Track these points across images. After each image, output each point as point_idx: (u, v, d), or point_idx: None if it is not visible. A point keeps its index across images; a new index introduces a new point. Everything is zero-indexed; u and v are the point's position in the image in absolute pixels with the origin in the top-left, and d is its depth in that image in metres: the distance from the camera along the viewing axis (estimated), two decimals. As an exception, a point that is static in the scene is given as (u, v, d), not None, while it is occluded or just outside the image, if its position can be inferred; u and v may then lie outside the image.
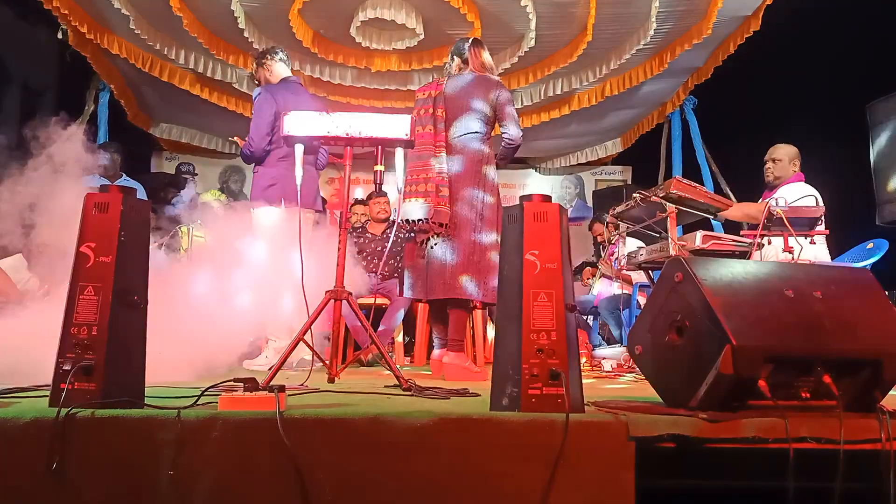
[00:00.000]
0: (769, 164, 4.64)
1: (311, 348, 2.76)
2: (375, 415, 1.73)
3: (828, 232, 3.82)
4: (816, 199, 4.16)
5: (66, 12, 6.16)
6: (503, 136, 3.87)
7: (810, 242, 3.77)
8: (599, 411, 1.87)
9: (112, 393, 1.79)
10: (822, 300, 1.96)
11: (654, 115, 8.69)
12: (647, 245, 4.42)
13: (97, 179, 6.21)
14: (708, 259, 2.00)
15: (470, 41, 4.05)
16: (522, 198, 2.00)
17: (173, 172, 9.01)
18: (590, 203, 10.09)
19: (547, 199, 2.02)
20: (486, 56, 4.05)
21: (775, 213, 3.52)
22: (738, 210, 4.00)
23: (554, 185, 10.47)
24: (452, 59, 4.10)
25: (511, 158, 4.02)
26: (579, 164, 10.28)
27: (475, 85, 3.90)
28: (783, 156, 4.59)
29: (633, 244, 5.26)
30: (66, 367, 1.78)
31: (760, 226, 3.58)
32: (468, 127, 3.84)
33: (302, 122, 2.83)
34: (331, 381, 2.82)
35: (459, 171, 3.75)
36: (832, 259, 4.40)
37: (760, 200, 4.68)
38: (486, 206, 3.76)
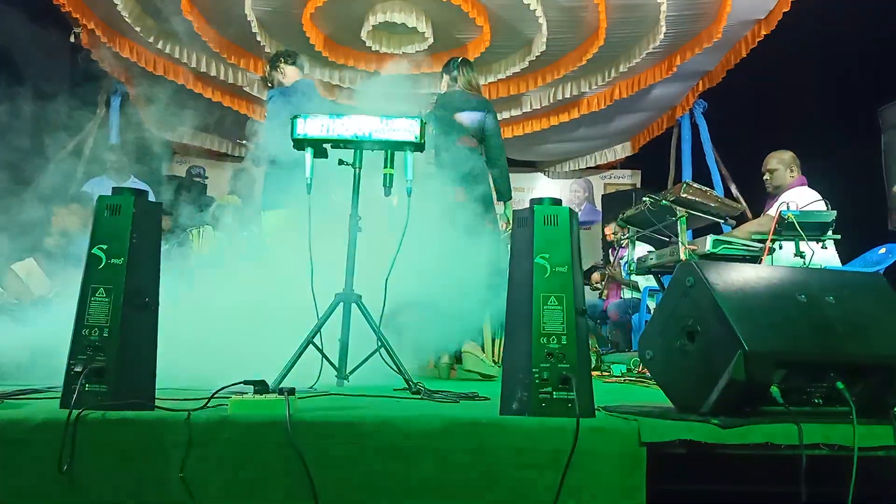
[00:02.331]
0: (766, 175, 4.63)
1: (321, 351, 2.76)
2: (385, 418, 1.73)
3: (839, 237, 3.79)
4: (826, 203, 4.14)
5: (80, 15, 6.21)
6: (490, 170, 4.26)
7: (821, 247, 3.75)
8: (610, 416, 1.86)
9: (123, 395, 1.79)
10: (835, 305, 1.94)
11: (664, 119, 8.67)
12: (656, 249, 4.40)
13: (105, 181, 6.25)
14: (719, 263, 1.99)
15: (459, 61, 4.41)
16: (533, 201, 1.99)
17: (184, 175, 9.05)
18: (599, 207, 10.06)
19: (557, 202, 2.01)
20: (473, 76, 4.39)
21: (787, 217, 3.51)
22: (741, 232, 3.99)
23: (563, 189, 10.45)
24: (441, 77, 4.45)
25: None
26: (588, 168, 10.26)
27: (465, 103, 4.21)
28: (777, 164, 4.58)
29: (642, 248, 5.24)
30: (78, 369, 1.78)
31: (771, 230, 3.56)
32: (461, 142, 4.00)
33: (311, 125, 2.84)
34: (340, 383, 2.82)
35: (456, 185, 3.98)
36: (843, 264, 4.37)
37: (764, 209, 4.66)
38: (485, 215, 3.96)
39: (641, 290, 5.81)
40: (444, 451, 1.67)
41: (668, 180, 8.84)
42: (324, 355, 2.76)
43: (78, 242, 4.65)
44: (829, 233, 3.71)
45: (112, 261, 1.85)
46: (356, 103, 7.73)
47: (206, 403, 1.83)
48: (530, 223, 1.94)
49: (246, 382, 1.86)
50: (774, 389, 1.78)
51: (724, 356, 1.77)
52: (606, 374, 4.56)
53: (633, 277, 5.73)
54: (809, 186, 4.44)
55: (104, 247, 1.86)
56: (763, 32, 6.15)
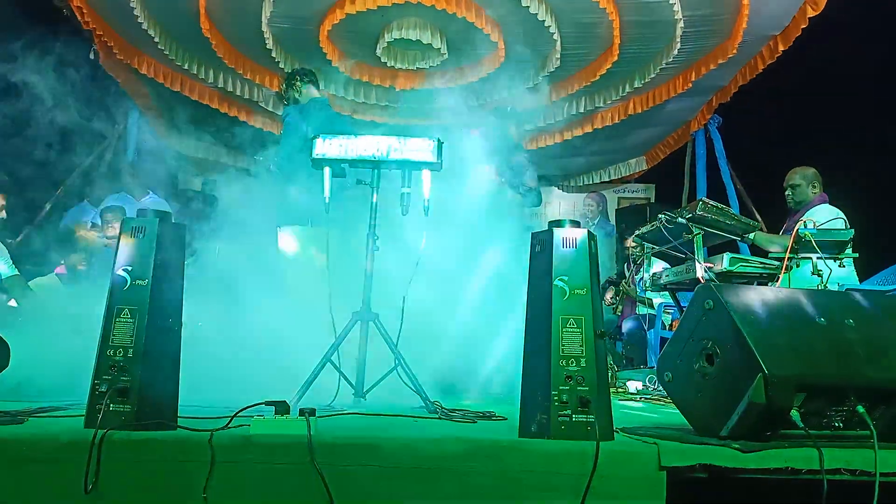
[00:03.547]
0: (788, 191, 4.62)
1: (338, 369, 2.78)
2: (406, 440, 1.75)
3: (857, 255, 3.77)
4: (844, 221, 4.12)
5: (101, 33, 6.30)
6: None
7: (839, 265, 3.72)
8: (629, 439, 1.86)
9: (146, 414, 1.82)
10: (855, 328, 1.94)
11: (679, 134, 8.66)
12: (671, 266, 4.39)
13: (124, 196, 6.32)
14: (739, 286, 1.99)
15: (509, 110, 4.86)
16: (552, 223, 2.01)
17: (199, 189, 9.11)
18: (612, 221, 10.04)
19: (576, 224, 2.02)
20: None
21: (804, 236, 3.49)
22: (764, 239, 3.99)
23: (576, 203, 10.43)
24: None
25: None
26: (602, 182, 10.25)
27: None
28: (800, 180, 4.56)
29: (657, 265, 5.22)
30: (102, 389, 1.81)
31: (788, 249, 3.55)
32: None
33: (330, 145, 2.87)
34: (357, 401, 2.83)
35: None
36: (861, 282, 4.34)
37: (785, 225, 4.64)
38: None
39: (656, 306, 5.80)
40: (465, 474, 1.68)
41: (682, 195, 8.82)
42: (341, 373, 2.78)
43: (102, 259, 4.72)
44: (848, 251, 3.68)
45: (137, 282, 1.88)
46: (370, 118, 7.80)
47: (228, 423, 1.84)
48: (549, 246, 1.95)
49: (267, 403, 1.88)
50: (794, 413, 1.78)
51: (744, 379, 1.77)
52: (621, 390, 4.55)
53: (648, 294, 5.72)
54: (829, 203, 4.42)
55: (129, 268, 1.89)
56: (780, 48, 6.13)
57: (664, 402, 3.65)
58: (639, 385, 4.47)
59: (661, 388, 3.96)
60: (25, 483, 1.68)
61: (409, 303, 2.92)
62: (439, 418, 2.42)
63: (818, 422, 1.84)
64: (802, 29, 5.83)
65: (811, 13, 5.60)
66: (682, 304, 5.04)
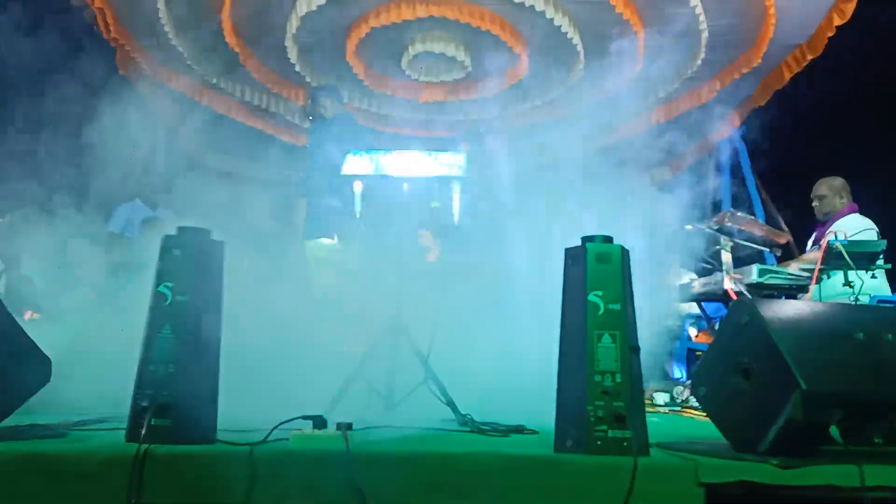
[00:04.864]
0: (815, 202, 4.57)
1: (369, 382, 2.79)
2: (443, 454, 1.76)
3: (889, 266, 3.72)
4: (877, 232, 4.07)
5: (129, 47, 6.41)
6: None
7: (871, 277, 3.68)
8: (666, 454, 1.85)
9: (186, 429, 1.84)
10: (894, 343, 1.92)
11: (703, 142, 8.62)
12: (699, 277, 4.37)
13: (137, 205, 6.36)
14: (774, 301, 1.99)
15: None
16: (584, 239, 2.01)
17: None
18: (635, 230, 9.98)
19: (608, 239, 2.02)
20: None
21: (835, 247, 3.46)
22: (792, 268, 3.96)
23: (598, 212, 10.40)
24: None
25: None
26: (624, 191, 10.22)
27: None
28: (827, 191, 4.50)
29: (684, 276, 5.20)
30: (144, 404, 1.84)
31: (819, 261, 3.52)
32: None
33: (361, 161, 2.90)
34: (387, 411, 2.84)
35: None
36: (893, 292, 4.28)
37: (813, 235, 4.60)
38: None
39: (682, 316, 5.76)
40: (501, 489, 1.69)
41: (706, 204, 8.76)
42: (372, 387, 2.80)
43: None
44: (880, 262, 3.64)
45: (177, 298, 1.91)
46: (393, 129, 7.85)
47: (267, 437, 1.86)
48: (583, 261, 1.96)
49: (305, 417, 1.90)
50: (834, 429, 1.77)
51: (782, 395, 1.76)
52: (648, 402, 4.51)
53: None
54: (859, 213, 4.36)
55: (170, 284, 1.92)
56: (809, 56, 6.09)
57: (692, 414, 3.62)
58: (667, 397, 4.44)
59: (689, 399, 3.94)
60: (68, 498, 1.71)
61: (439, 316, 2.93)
62: (471, 431, 2.42)
63: (857, 437, 1.83)
64: (829, 37, 5.79)
65: (838, 21, 5.57)
66: (708, 315, 5.02)
